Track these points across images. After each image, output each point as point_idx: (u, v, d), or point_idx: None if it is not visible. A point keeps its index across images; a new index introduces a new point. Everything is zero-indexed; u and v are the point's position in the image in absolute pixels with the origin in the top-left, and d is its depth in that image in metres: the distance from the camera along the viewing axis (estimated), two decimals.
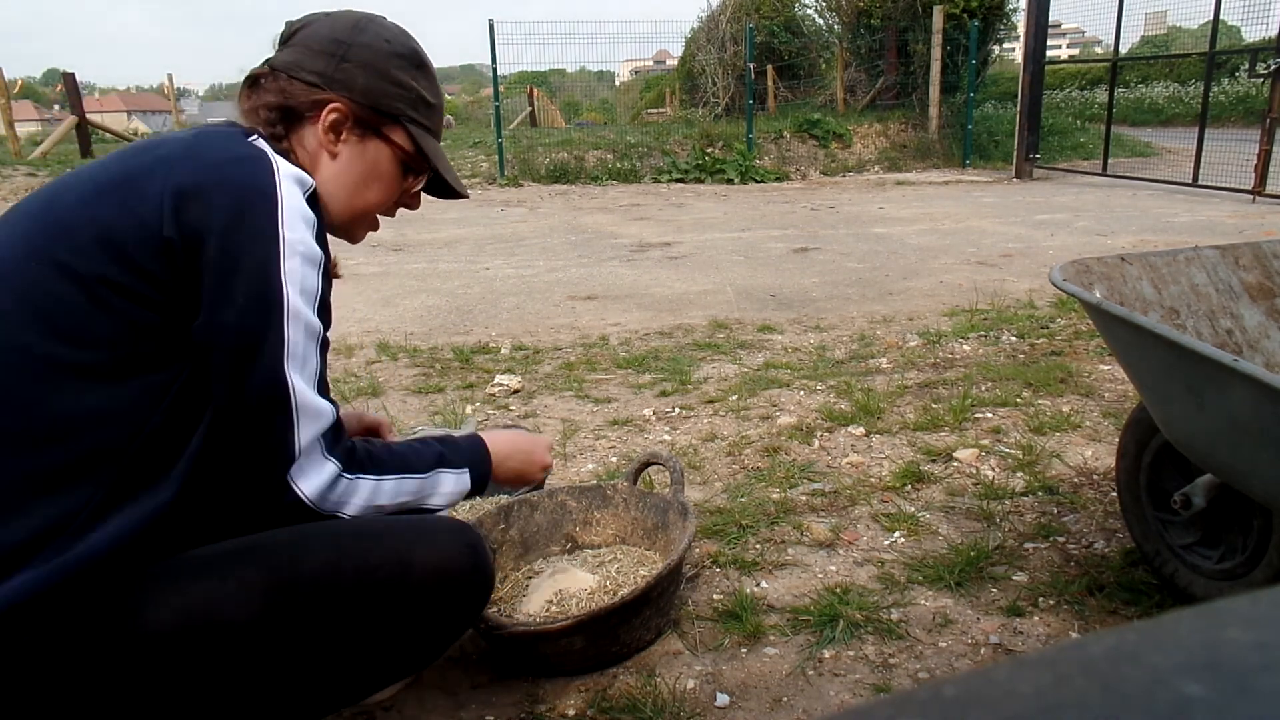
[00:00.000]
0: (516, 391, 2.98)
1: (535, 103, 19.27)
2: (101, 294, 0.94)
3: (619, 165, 10.51)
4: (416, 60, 1.20)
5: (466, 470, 1.21)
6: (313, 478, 1.05)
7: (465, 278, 5.05)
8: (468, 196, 1.32)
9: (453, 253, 5.92)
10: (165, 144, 1.04)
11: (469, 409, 2.80)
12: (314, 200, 1.06)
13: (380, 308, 4.33)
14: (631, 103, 23.48)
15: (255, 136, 1.09)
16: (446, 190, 1.28)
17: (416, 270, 5.30)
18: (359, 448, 1.11)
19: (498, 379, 3.07)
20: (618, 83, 30.01)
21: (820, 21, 14.91)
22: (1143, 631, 0.23)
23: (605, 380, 3.08)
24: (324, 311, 1.07)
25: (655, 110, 19.04)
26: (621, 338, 3.64)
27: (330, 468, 1.08)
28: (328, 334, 1.08)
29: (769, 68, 13.94)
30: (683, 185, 10.08)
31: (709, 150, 10.72)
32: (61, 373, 0.93)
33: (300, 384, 1.02)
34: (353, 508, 1.09)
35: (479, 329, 3.87)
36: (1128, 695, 0.21)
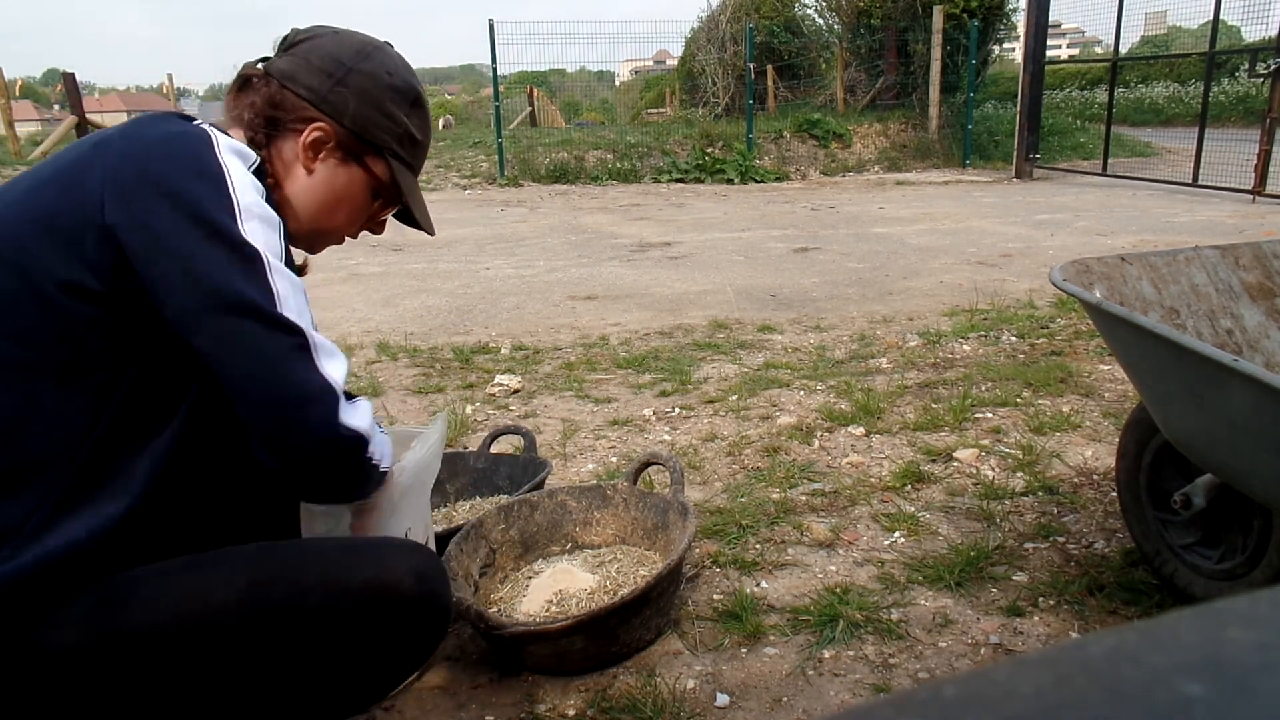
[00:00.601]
0: (516, 391, 2.98)
1: (535, 103, 19.25)
2: (46, 289, 0.91)
3: (619, 165, 10.51)
4: (413, 97, 1.20)
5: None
6: (359, 413, 1.02)
7: (465, 278, 5.05)
8: (433, 234, 1.31)
9: (453, 253, 5.92)
10: (103, 133, 1.01)
11: (468, 409, 2.80)
12: (259, 173, 1.04)
13: (380, 308, 4.33)
14: (631, 103, 23.47)
15: (212, 131, 1.05)
16: (415, 222, 1.28)
17: (416, 270, 5.30)
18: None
19: (498, 379, 3.07)
20: (618, 83, 30.00)
21: (820, 21, 14.92)
22: (1143, 631, 0.23)
23: (605, 380, 3.08)
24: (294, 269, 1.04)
25: (655, 110, 19.03)
26: (621, 338, 3.64)
27: (364, 402, 1.06)
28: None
29: (769, 68, 13.93)
30: (683, 185, 10.08)
31: (709, 150, 10.72)
32: (8, 372, 0.91)
33: (307, 327, 0.99)
34: (387, 460, 1.09)
35: (479, 329, 3.87)
36: (1128, 695, 0.21)
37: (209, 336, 0.94)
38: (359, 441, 1.02)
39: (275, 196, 1.09)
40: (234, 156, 1.00)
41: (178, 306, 0.93)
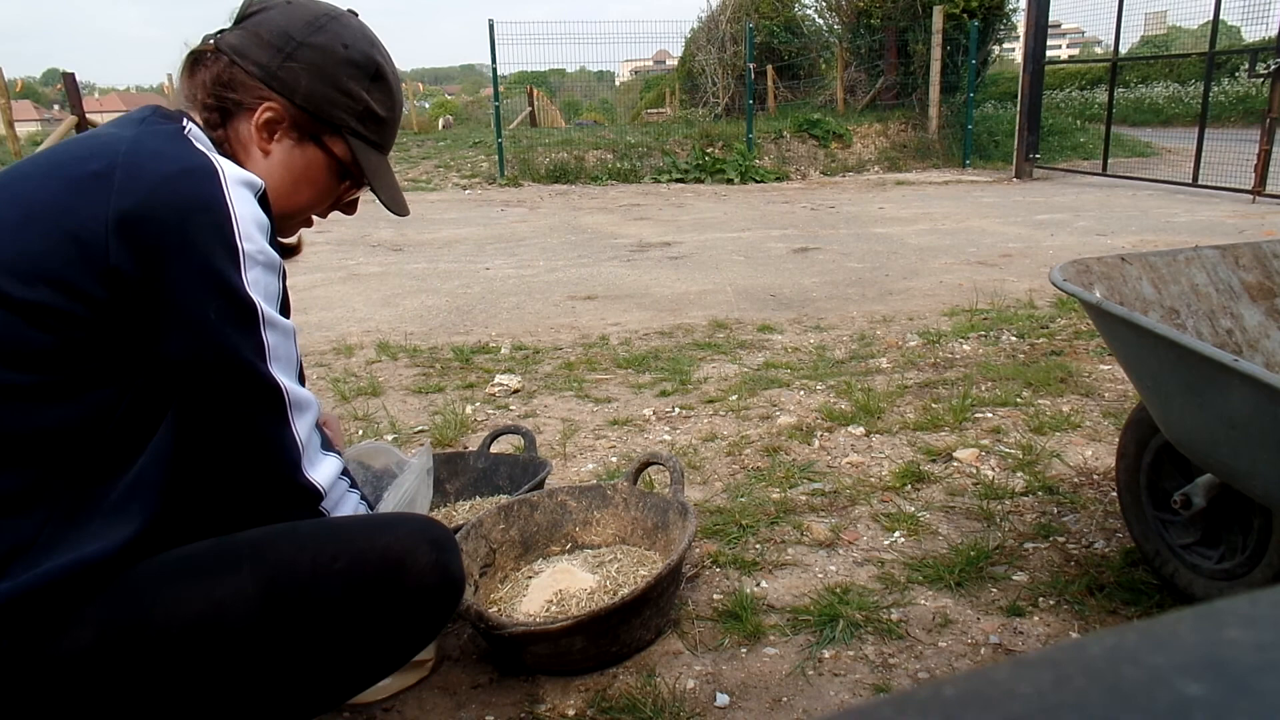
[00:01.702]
0: (516, 391, 2.98)
1: (535, 103, 19.27)
2: (38, 317, 0.89)
3: (619, 165, 10.51)
4: (372, 70, 1.13)
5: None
6: (323, 468, 1.06)
7: (465, 278, 5.05)
8: (406, 215, 1.27)
9: (452, 253, 5.92)
10: (98, 155, 0.94)
11: (468, 409, 2.80)
12: (264, 200, 1.01)
13: (380, 308, 4.33)
14: (631, 103, 23.48)
15: (190, 127, 1.03)
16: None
17: (416, 270, 5.30)
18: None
19: (498, 379, 3.07)
20: (618, 83, 30.03)
21: (820, 21, 14.92)
22: (1143, 631, 0.23)
23: (605, 380, 3.08)
24: (285, 308, 1.05)
25: (655, 110, 19.04)
26: (621, 338, 3.64)
27: (334, 460, 1.08)
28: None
29: (769, 68, 13.93)
30: (683, 185, 10.08)
31: (709, 150, 10.72)
32: (5, 395, 0.89)
33: (288, 383, 1.02)
34: (342, 505, 1.10)
35: (479, 329, 3.87)
36: (1128, 695, 0.21)
37: (198, 381, 0.98)
38: (313, 496, 1.06)
39: None
40: (242, 189, 0.97)
41: (173, 349, 0.95)
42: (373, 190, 1.20)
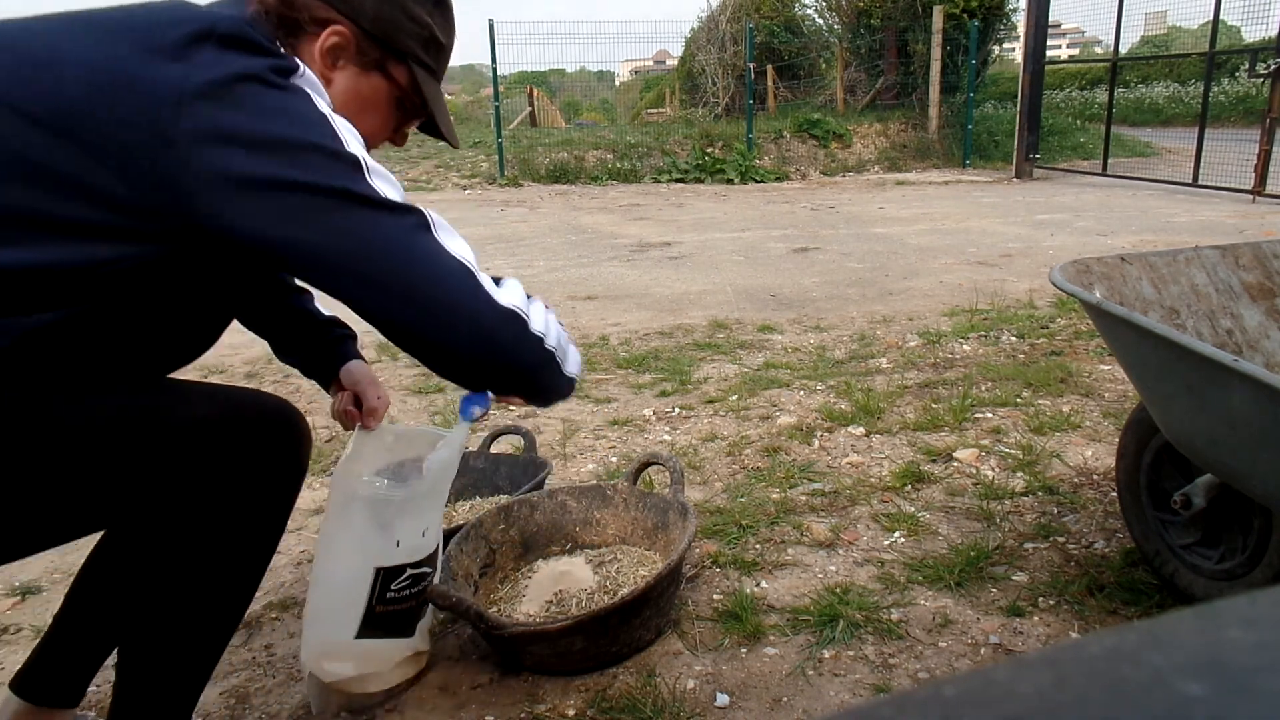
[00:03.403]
0: None
1: (535, 103, 19.26)
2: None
3: (619, 165, 10.51)
4: None
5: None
6: (510, 290, 1.01)
7: None
8: (458, 147, 1.25)
9: None
10: (155, 28, 0.89)
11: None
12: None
13: None
14: (631, 103, 23.48)
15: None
16: (439, 133, 1.19)
17: None
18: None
19: None
20: (618, 83, 30.00)
21: (820, 21, 14.92)
22: (1143, 631, 0.23)
23: (605, 380, 3.08)
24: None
25: (655, 110, 19.03)
26: (621, 338, 3.64)
27: (512, 281, 1.04)
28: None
29: (769, 68, 13.93)
30: (683, 185, 10.08)
31: (709, 150, 10.72)
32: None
33: (465, 254, 0.97)
34: (551, 332, 1.06)
35: None
36: (1128, 695, 0.21)
37: (317, 231, 0.89)
38: (512, 318, 0.99)
39: None
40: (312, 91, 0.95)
41: (268, 219, 0.88)
42: (434, 120, 1.15)
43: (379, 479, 1.26)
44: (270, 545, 1.16)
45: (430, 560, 1.35)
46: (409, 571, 1.30)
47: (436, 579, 1.39)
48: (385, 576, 1.28)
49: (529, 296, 1.07)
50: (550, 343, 1.05)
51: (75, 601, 1.24)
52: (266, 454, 1.08)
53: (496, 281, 1.03)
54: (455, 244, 0.98)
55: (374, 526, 1.25)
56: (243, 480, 1.06)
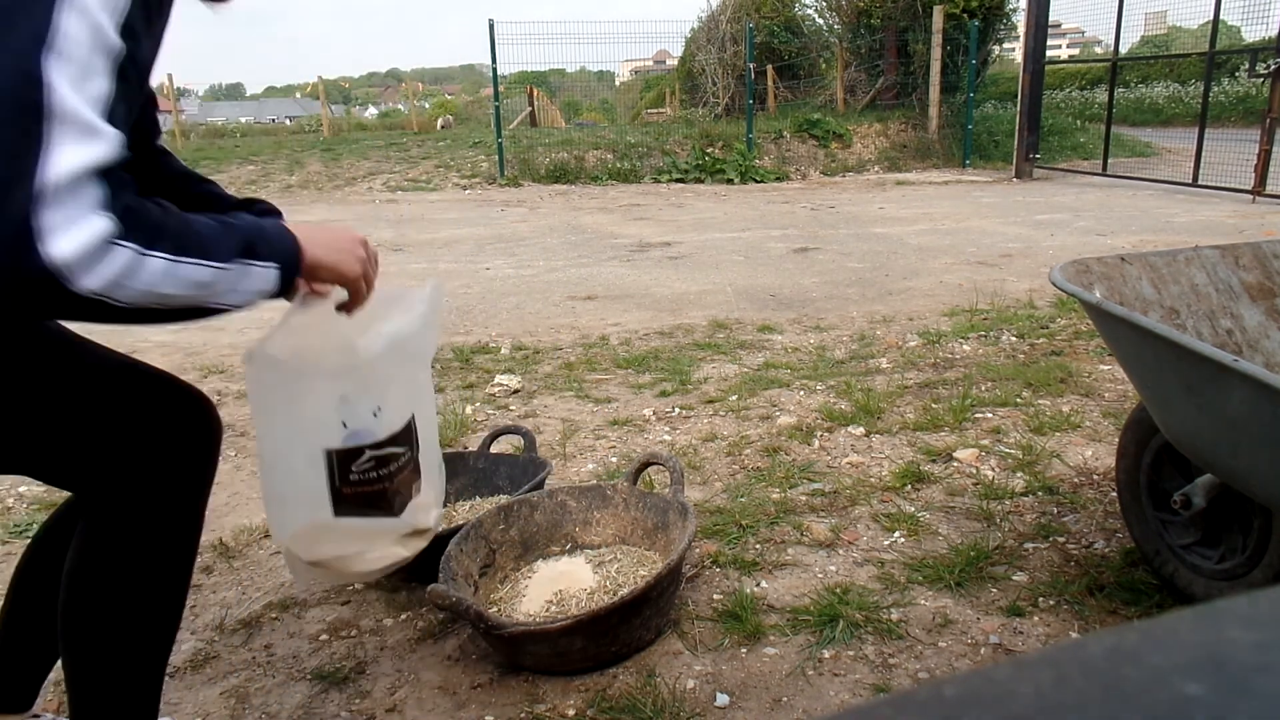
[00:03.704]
0: (516, 391, 2.98)
1: (535, 103, 19.25)
2: None
3: (619, 165, 10.51)
4: None
5: (276, 267, 0.93)
6: (70, 233, 0.74)
7: (465, 278, 5.05)
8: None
9: (452, 253, 5.92)
10: None
11: (468, 409, 2.79)
12: None
13: None
14: (631, 103, 23.48)
15: None
16: None
17: (416, 270, 5.30)
18: (150, 209, 0.82)
19: (498, 379, 3.07)
20: (618, 83, 29.99)
21: (820, 21, 14.91)
22: (1143, 631, 0.23)
23: (605, 380, 3.08)
24: (132, 40, 0.82)
25: (655, 110, 19.03)
26: (621, 338, 3.64)
27: (100, 224, 0.76)
28: (142, 76, 0.86)
29: (769, 68, 13.93)
30: (683, 185, 10.08)
31: (709, 150, 10.72)
32: None
33: (63, 86, 0.75)
34: (131, 293, 0.79)
35: (479, 329, 3.87)
36: (1128, 695, 0.21)
37: None
38: (47, 278, 0.74)
39: None
40: None
41: None
42: None
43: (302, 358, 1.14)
44: (193, 528, 1.15)
45: (397, 440, 1.23)
46: (369, 454, 1.20)
47: (422, 459, 1.29)
48: (342, 459, 1.18)
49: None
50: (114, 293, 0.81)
51: (13, 606, 1.25)
52: (181, 436, 1.10)
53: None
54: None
55: (308, 406, 1.15)
56: (161, 459, 1.08)
